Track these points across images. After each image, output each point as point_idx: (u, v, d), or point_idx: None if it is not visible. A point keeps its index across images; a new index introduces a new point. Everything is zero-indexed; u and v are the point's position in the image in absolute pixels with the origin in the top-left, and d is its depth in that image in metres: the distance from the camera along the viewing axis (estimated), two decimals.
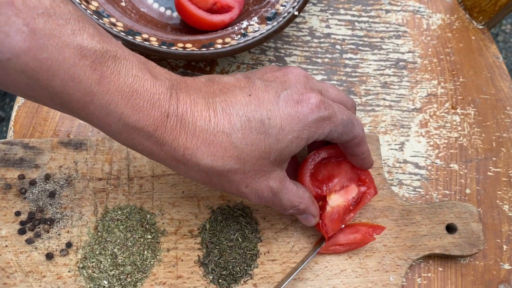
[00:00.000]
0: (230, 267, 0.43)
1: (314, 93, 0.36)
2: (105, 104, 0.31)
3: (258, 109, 0.34)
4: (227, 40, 0.49)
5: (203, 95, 0.35)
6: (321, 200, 0.43)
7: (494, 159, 0.53)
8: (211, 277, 0.43)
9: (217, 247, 0.43)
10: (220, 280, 0.42)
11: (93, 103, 0.31)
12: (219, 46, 0.48)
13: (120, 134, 0.33)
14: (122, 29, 0.48)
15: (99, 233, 0.43)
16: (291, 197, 0.38)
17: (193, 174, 0.35)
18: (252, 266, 0.43)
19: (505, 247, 0.49)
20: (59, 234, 0.43)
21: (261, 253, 0.44)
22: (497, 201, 0.51)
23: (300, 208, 0.39)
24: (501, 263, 0.48)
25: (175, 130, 0.33)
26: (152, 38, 0.48)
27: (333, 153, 0.44)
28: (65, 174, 0.45)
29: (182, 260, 0.43)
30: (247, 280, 0.43)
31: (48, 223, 0.43)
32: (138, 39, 0.47)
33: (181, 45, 0.48)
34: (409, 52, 0.59)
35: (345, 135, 0.39)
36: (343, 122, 0.38)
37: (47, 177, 0.45)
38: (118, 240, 0.43)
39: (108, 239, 0.43)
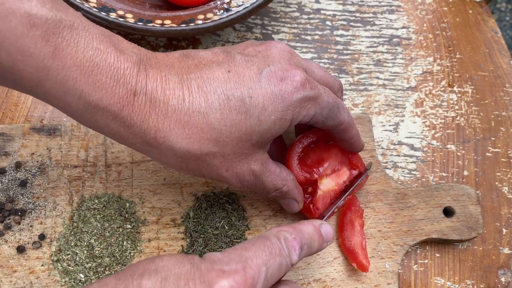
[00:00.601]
0: None
1: (299, 70, 0.34)
2: (61, 80, 0.28)
3: (238, 87, 0.32)
4: (209, 15, 0.46)
5: (176, 72, 0.32)
6: (312, 185, 0.41)
7: (492, 139, 0.51)
8: None
9: (201, 236, 0.41)
10: None
11: (48, 79, 0.28)
12: (200, 22, 0.45)
13: (82, 115, 0.30)
14: (95, 5, 0.44)
15: (75, 224, 0.40)
16: (274, 179, 0.36)
17: (167, 160, 0.33)
18: None
19: (504, 230, 0.47)
20: (31, 226, 0.40)
21: None
22: (496, 183, 0.49)
23: (284, 190, 0.37)
24: (501, 248, 0.46)
25: (144, 110, 0.30)
26: (128, 15, 0.45)
27: (322, 136, 0.41)
28: (37, 161, 0.42)
29: (164, 251, 0.41)
30: None
31: (19, 214, 0.40)
32: (113, 15, 0.44)
33: (159, 21, 0.45)
34: (403, 27, 0.56)
35: (330, 120, 0.36)
36: (329, 105, 0.35)
37: (18, 165, 0.42)
38: (95, 231, 0.40)
39: (84, 230, 0.40)
